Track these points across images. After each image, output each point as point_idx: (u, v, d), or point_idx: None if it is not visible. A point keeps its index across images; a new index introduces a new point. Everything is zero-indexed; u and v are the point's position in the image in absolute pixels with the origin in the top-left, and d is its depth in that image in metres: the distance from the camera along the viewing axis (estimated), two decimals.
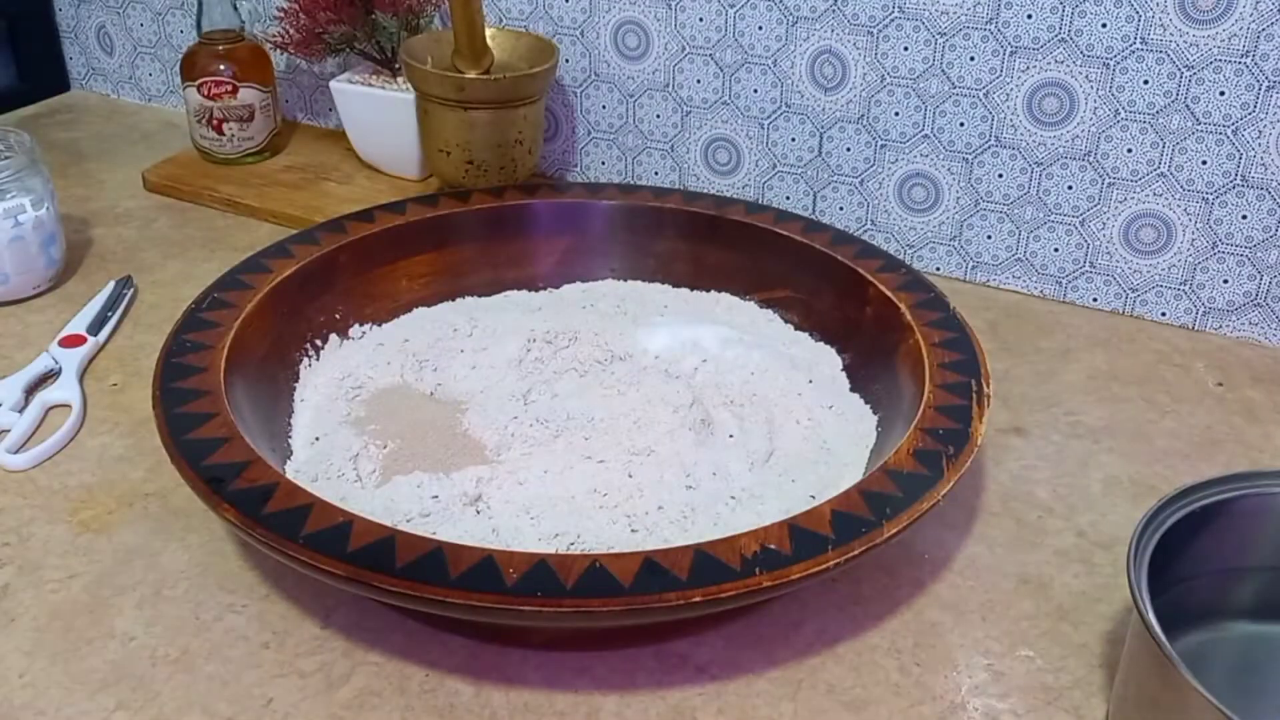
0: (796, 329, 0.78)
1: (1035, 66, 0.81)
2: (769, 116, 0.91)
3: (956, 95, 0.84)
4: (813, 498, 0.61)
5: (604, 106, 0.97)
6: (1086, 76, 0.80)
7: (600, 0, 0.93)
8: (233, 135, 1.02)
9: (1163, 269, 0.83)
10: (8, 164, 0.80)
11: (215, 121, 1.01)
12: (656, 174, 0.98)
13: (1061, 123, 0.82)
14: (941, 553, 0.62)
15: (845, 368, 0.73)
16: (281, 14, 1.00)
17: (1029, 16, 0.80)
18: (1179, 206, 0.81)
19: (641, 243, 0.83)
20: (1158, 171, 0.81)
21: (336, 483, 0.62)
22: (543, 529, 0.59)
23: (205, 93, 1.00)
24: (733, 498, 0.62)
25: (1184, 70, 0.77)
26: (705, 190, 0.95)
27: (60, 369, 0.74)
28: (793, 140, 0.91)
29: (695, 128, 0.94)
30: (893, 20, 0.84)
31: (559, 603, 0.49)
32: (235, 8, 1.00)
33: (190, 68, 1.00)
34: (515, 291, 0.82)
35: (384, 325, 0.77)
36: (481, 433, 0.66)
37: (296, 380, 0.70)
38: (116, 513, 0.64)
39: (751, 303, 0.80)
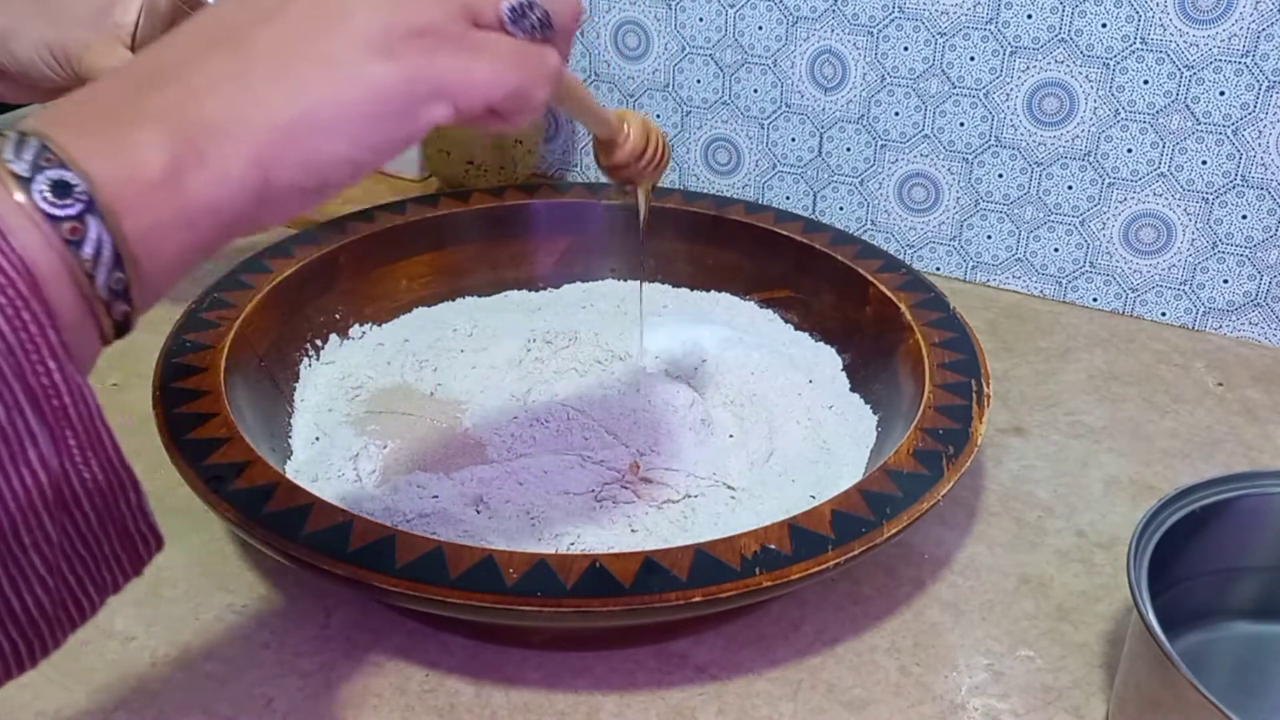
0: (796, 329, 0.78)
1: (1035, 66, 0.81)
2: (769, 116, 0.91)
3: (956, 95, 0.84)
4: (813, 498, 0.61)
5: (603, 107, 0.97)
6: (1086, 76, 0.80)
7: (600, 0, 0.93)
8: None
9: (1163, 269, 0.83)
10: None
11: None
12: None
13: (1061, 123, 0.82)
14: (941, 553, 0.62)
15: (845, 368, 0.73)
16: None
17: (1029, 16, 0.80)
18: (1179, 206, 0.81)
19: (642, 243, 0.83)
20: (1158, 171, 0.81)
21: (336, 483, 0.62)
22: (543, 529, 0.59)
23: None
24: (733, 498, 0.62)
25: (1184, 70, 0.77)
26: (705, 190, 0.95)
27: None
28: (793, 140, 0.91)
29: (695, 128, 0.94)
30: (893, 20, 0.84)
31: (559, 603, 0.49)
32: None
33: None
34: (515, 291, 0.82)
35: (384, 325, 0.77)
36: (481, 433, 0.66)
37: (296, 380, 0.70)
38: None
39: (751, 303, 0.80)
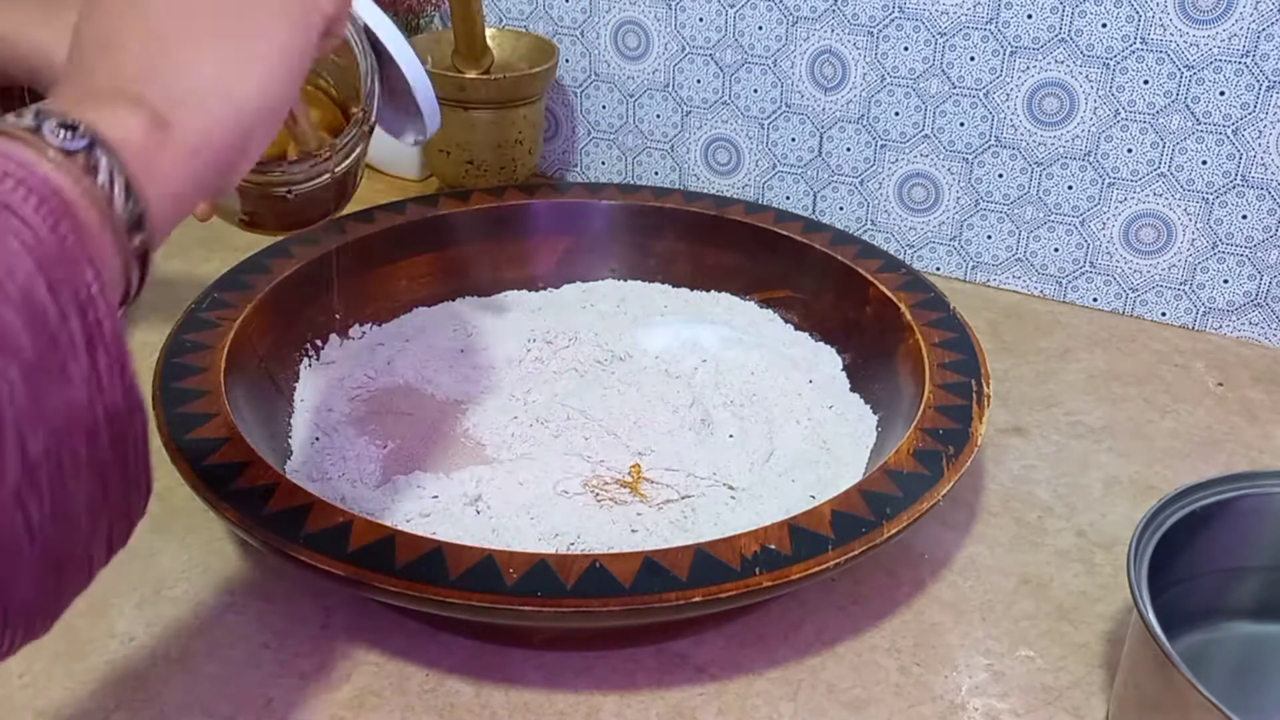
0: (796, 329, 0.78)
1: (1035, 66, 0.81)
2: (769, 116, 0.91)
3: (956, 95, 0.84)
4: (813, 498, 0.61)
5: (604, 106, 0.97)
6: (1086, 76, 0.80)
7: (600, 0, 0.93)
8: None
9: (1163, 269, 0.83)
10: None
11: None
12: (656, 174, 0.98)
13: (1061, 123, 0.82)
14: (941, 553, 0.62)
15: (845, 368, 0.73)
16: None
17: (1029, 16, 0.80)
18: (1179, 206, 0.81)
19: (641, 243, 0.83)
20: (1158, 171, 0.81)
21: (336, 483, 0.62)
22: (543, 529, 0.59)
23: None
24: (733, 498, 0.62)
25: (1184, 70, 0.77)
26: (705, 190, 0.95)
27: None
28: (793, 140, 0.91)
29: (695, 128, 0.94)
30: (893, 20, 0.84)
31: (559, 603, 0.49)
32: None
33: None
34: (515, 291, 0.82)
35: (384, 325, 0.77)
36: (481, 433, 0.66)
37: (296, 380, 0.70)
38: None
39: (751, 303, 0.80)
